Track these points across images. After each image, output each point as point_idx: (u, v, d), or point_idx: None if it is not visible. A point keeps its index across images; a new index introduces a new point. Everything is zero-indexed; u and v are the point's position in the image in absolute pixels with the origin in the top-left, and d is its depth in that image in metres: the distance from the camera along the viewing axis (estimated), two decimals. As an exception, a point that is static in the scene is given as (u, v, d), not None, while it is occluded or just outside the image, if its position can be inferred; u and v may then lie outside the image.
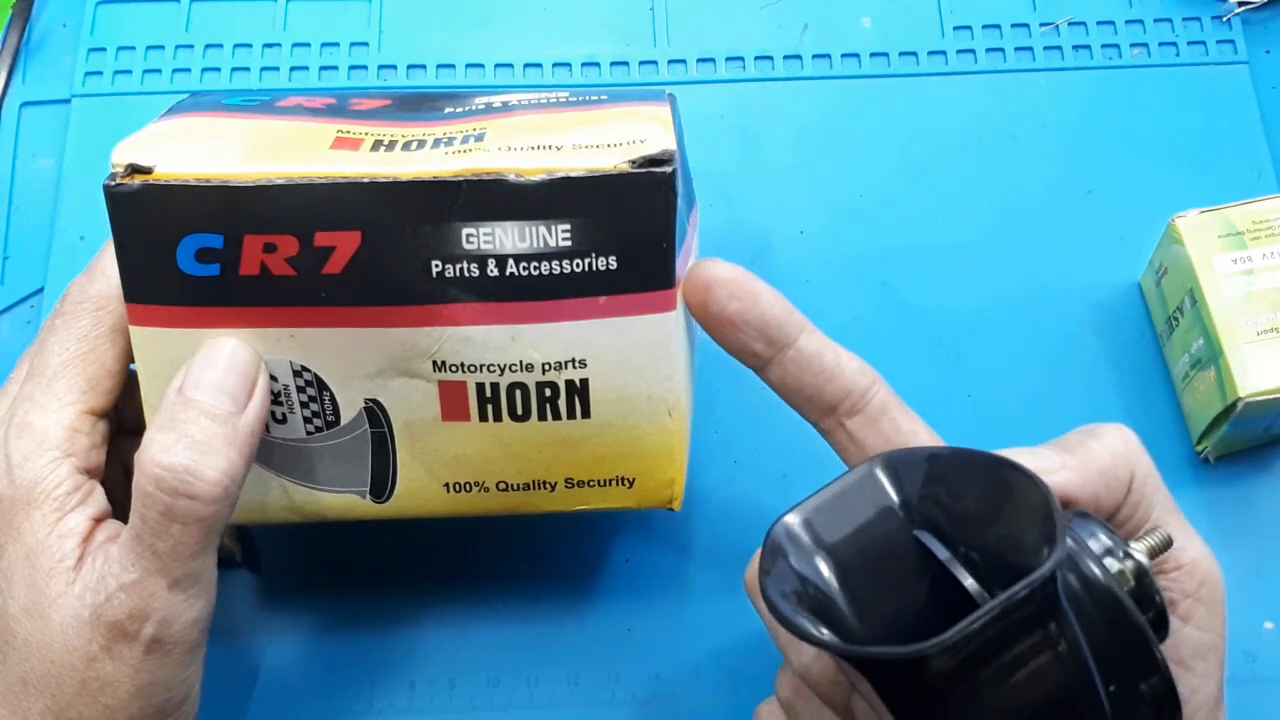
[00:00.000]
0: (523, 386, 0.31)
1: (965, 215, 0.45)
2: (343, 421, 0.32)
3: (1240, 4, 0.48)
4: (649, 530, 0.40)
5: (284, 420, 0.32)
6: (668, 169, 0.29)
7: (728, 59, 0.47)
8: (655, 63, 0.47)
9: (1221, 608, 0.28)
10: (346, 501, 0.33)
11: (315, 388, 0.31)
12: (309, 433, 0.32)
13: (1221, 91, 0.47)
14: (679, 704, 0.38)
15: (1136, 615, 0.25)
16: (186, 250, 0.29)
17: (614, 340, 0.31)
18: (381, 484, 0.33)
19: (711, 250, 0.42)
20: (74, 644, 0.29)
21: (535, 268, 0.30)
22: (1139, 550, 0.27)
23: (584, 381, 0.31)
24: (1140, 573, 0.27)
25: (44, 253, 0.44)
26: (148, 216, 0.29)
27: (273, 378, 0.31)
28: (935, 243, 0.45)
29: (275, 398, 0.31)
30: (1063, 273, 0.44)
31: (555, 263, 0.30)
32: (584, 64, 0.47)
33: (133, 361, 0.32)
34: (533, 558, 0.40)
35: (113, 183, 0.29)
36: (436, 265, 0.29)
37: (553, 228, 0.29)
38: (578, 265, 0.30)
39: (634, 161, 0.29)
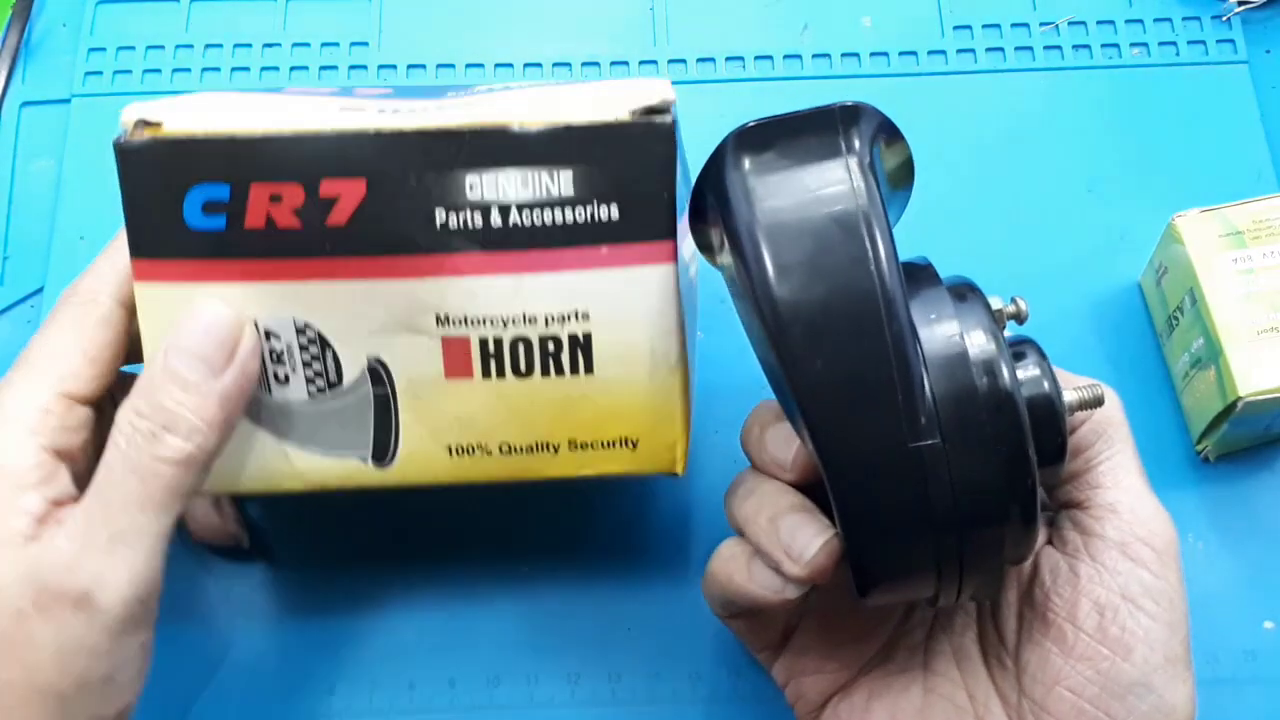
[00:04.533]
0: (525, 341, 0.31)
1: (965, 215, 0.45)
2: (345, 381, 0.32)
3: (1240, 4, 0.48)
4: (649, 530, 0.40)
5: (286, 381, 0.32)
6: (668, 118, 0.30)
7: (728, 59, 0.47)
8: (655, 62, 0.47)
9: (1174, 561, 0.29)
10: (348, 467, 0.33)
11: (318, 346, 0.31)
12: (311, 394, 0.32)
13: (1221, 91, 0.47)
14: (679, 704, 0.38)
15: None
16: (193, 202, 0.30)
17: (616, 291, 0.31)
18: (383, 447, 0.33)
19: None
20: (4, 600, 0.28)
21: (538, 216, 0.30)
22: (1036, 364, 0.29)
23: (587, 335, 0.31)
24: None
25: (44, 253, 0.44)
26: (156, 169, 0.29)
27: (275, 336, 0.31)
28: (935, 242, 0.44)
29: (278, 358, 0.31)
30: (1063, 273, 0.44)
31: (557, 211, 0.30)
32: (584, 64, 0.47)
33: (130, 361, 0.32)
34: (533, 558, 0.40)
35: (122, 138, 0.29)
36: (440, 215, 0.30)
37: (555, 175, 0.30)
38: (580, 214, 0.30)
39: (635, 111, 0.30)
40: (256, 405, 0.32)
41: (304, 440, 0.32)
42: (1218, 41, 0.47)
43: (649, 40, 0.48)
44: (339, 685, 0.38)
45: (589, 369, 0.32)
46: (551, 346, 0.31)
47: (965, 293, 0.28)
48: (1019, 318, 0.30)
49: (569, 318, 0.31)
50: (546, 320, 0.31)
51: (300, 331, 0.31)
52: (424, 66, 0.47)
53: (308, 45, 0.47)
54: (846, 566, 0.28)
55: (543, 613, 0.39)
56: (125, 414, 0.29)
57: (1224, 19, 0.48)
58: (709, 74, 0.47)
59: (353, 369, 0.32)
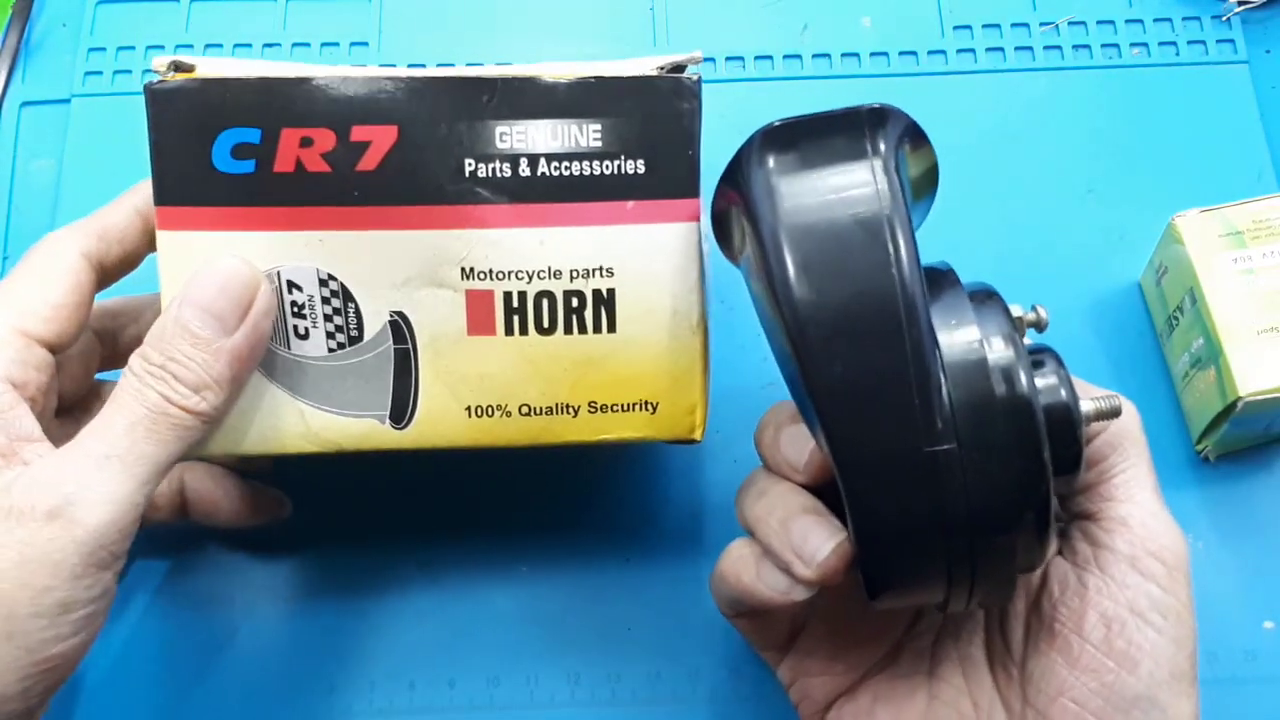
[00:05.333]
0: (550, 296, 0.32)
1: (965, 215, 0.45)
2: (366, 337, 0.32)
3: (1240, 3, 0.48)
4: (649, 529, 0.40)
5: (306, 336, 0.32)
6: (694, 75, 0.31)
7: (728, 59, 0.47)
8: (655, 63, 0.47)
9: (1185, 577, 0.29)
10: (365, 428, 0.32)
11: (341, 298, 0.31)
12: (331, 349, 0.32)
13: (1221, 91, 0.47)
14: (679, 704, 0.38)
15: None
16: (223, 146, 0.30)
17: (641, 248, 0.31)
18: (402, 407, 0.32)
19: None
20: None
21: (566, 168, 0.31)
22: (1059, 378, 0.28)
23: (610, 291, 0.32)
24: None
25: (44, 253, 0.44)
26: (187, 112, 0.30)
27: (298, 288, 0.31)
28: (935, 243, 0.44)
29: (299, 310, 0.31)
30: (1063, 273, 0.44)
31: (585, 163, 0.31)
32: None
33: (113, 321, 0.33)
34: (533, 558, 0.40)
35: (154, 81, 0.30)
36: (470, 164, 0.31)
37: (584, 127, 0.31)
38: (607, 167, 0.31)
39: (662, 68, 0.31)
40: (273, 361, 0.32)
41: (321, 399, 0.32)
42: (1218, 41, 0.47)
43: (649, 40, 0.48)
44: (339, 685, 0.38)
45: (611, 327, 0.32)
46: (575, 302, 0.32)
47: (985, 299, 0.28)
48: (1039, 325, 0.30)
49: (593, 273, 0.31)
50: (571, 275, 0.31)
51: (324, 283, 0.31)
52: (424, 66, 0.47)
53: (308, 45, 0.47)
54: (856, 570, 0.28)
55: (543, 613, 0.39)
56: (135, 359, 0.29)
57: (1224, 19, 0.48)
58: (709, 74, 0.47)
59: (375, 323, 0.32)
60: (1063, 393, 0.28)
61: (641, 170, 0.31)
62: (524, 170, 0.31)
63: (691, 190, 0.31)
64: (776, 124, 0.28)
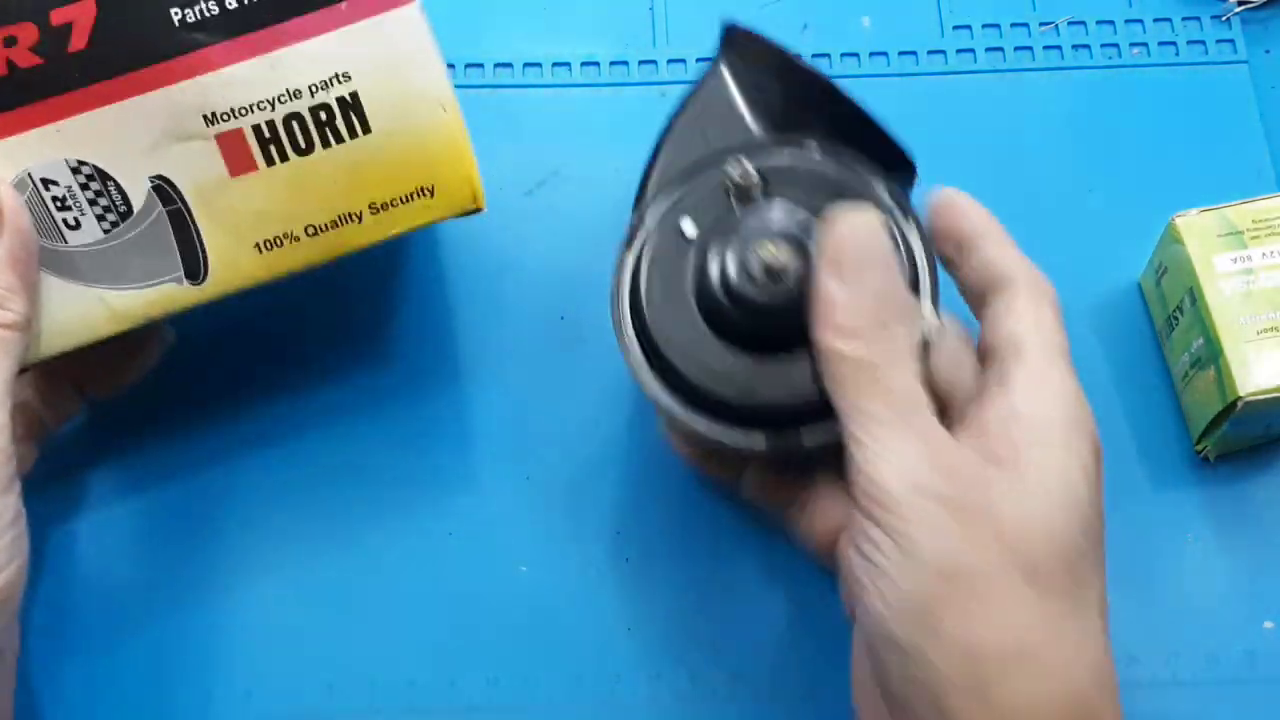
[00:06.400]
0: (298, 117, 0.32)
1: (965, 215, 0.45)
2: (135, 209, 0.32)
3: (1240, 3, 0.48)
4: (649, 529, 0.40)
5: (78, 226, 0.32)
6: None
7: (727, 59, 0.47)
8: (655, 62, 0.47)
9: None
10: (165, 292, 0.33)
11: (99, 180, 0.32)
12: (106, 230, 0.32)
13: (1221, 91, 0.47)
14: (680, 704, 0.38)
15: None
16: None
17: (368, 44, 0.32)
18: (193, 264, 0.33)
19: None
20: None
21: None
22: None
23: (354, 95, 0.32)
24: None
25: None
26: None
27: (54, 183, 0.32)
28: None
29: (62, 204, 0.32)
30: (1063, 273, 0.43)
31: None
32: (583, 63, 0.47)
33: None
34: (532, 558, 0.40)
35: None
36: (177, 13, 0.31)
37: None
38: None
39: None
40: (56, 258, 0.32)
41: (114, 279, 0.33)
42: (1218, 41, 0.47)
43: (649, 40, 0.48)
44: (339, 685, 0.38)
45: (366, 128, 0.33)
46: (324, 115, 0.32)
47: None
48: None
49: (331, 82, 0.32)
50: (311, 90, 0.32)
51: (76, 171, 0.32)
52: None
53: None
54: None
55: (543, 613, 0.39)
56: None
57: (1224, 19, 0.48)
58: (709, 74, 0.47)
59: (138, 194, 0.32)
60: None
61: None
62: (231, 3, 0.31)
63: None
64: None
